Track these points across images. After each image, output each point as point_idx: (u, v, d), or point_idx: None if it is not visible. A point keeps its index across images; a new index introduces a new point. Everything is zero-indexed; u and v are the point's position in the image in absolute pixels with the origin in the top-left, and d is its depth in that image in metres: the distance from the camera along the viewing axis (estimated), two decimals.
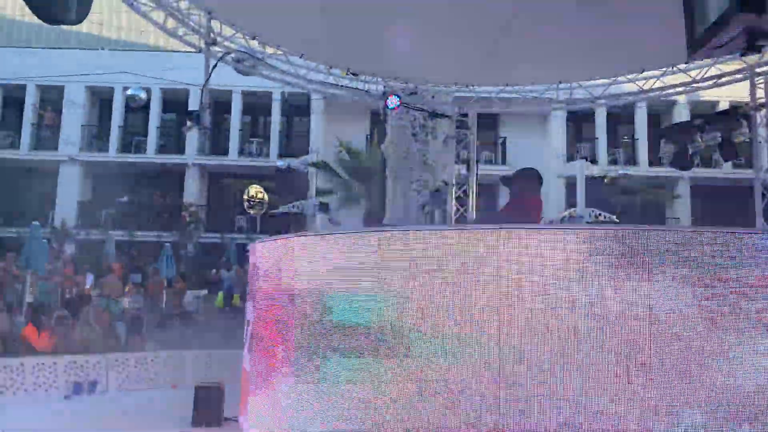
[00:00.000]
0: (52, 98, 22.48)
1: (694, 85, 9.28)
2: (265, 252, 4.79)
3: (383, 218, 11.43)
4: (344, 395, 3.79)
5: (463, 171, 10.50)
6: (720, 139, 8.61)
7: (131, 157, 22.20)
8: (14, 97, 22.22)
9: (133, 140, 22.57)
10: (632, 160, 22.10)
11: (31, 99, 22.21)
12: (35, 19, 5.52)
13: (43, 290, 10.46)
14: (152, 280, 12.76)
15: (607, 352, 3.44)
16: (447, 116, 9.84)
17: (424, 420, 3.53)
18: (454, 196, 10.29)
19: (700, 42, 2.83)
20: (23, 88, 21.99)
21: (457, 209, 10.22)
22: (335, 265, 4.03)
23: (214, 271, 16.45)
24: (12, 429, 5.96)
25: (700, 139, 8.66)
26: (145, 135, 22.43)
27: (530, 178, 5.18)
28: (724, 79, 9.20)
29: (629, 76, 9.62)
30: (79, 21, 5.64)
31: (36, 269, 11.99)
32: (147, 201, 22.23)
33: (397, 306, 3.71)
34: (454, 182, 10.35)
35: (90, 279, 13.11)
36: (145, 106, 19.70)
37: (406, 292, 3.72)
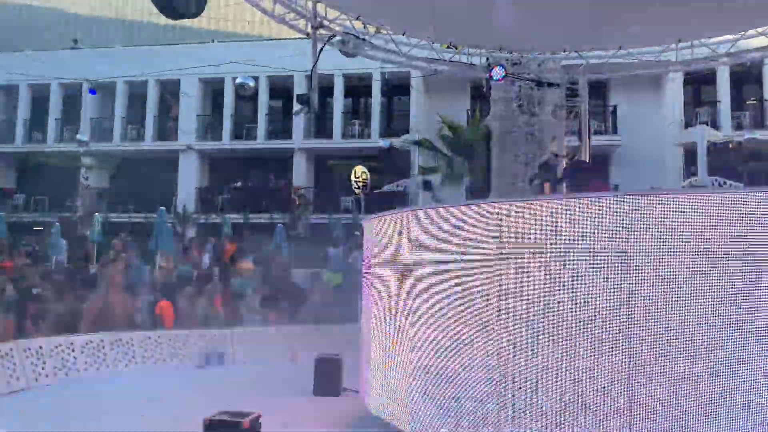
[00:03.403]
0: (169, 92, 24.02)
1: None
2: (379, 228, 4.89)
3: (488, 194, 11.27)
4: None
5: (574, 141, 10.08)
6: None
7: (243, 144, 23.32)
8: (138, 93, 23.95)
9: (243, 127, 23.67)
10: (760, 124, 20.25)
11: (152, 93, 23.85)
12: (153, 19, 5.89)
13: (183, 271, 11.30)
14: (274, 259, 13.36)
15: None
16: (556, 85, 9.48)
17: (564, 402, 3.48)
18: (563, 167, 9.92)
19: None
20: (145, 83, 23.64)
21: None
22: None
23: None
24: (151, 394, 6.51)
25: None
26: (255, 122, 23.45)
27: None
28: None
29: (759, 29, 8.78)
30: (198, 14, 5.99)
31: (165, 250, 13.02)
32: (258, 185, 23.30)
33: None
34: (564, 153, 9.98)
35: (206, 258, 13.93)
36: (254, 95, 20.57)
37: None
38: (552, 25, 8.63)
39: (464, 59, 9.92)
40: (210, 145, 23.71)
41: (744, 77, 20.42)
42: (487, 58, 10.10)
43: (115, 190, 23.69)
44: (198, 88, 23.79)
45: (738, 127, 20.11)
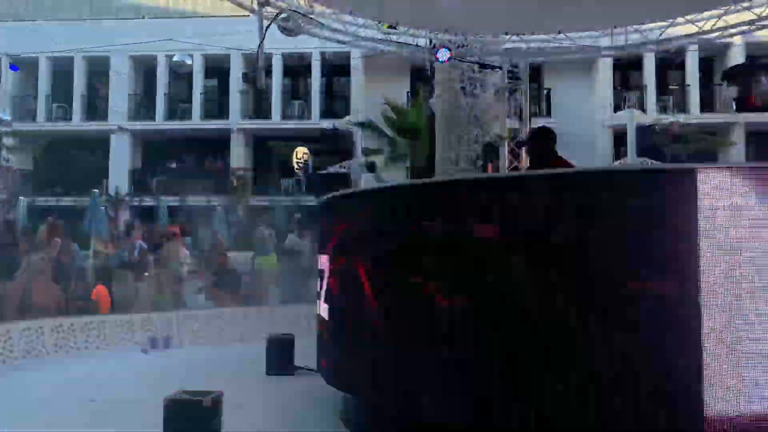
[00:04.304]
0: (98, 70, 22.97)
1: (760, 23, 8.89)
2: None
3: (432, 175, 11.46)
4: None
5: (515, 124, 10.39)
6: None
7: (178, 124, 22.64)
8: (64, 71, 22.77)
9: (178, 107, 22.96)
10: (683, 107, 21.41)
11: (79, 71, 22.73)
12: None
13: (121, 255, 10.96)
14: (215, 243, 13.14)
15: None
16: (498, 68, 9.71)
17: None
18: (507, 148, 10.23)
19: None
20: (71, 60, 22.49)
21: (511, 162, 10.17)
22: None
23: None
24: (102, 379, 6.35)
25: (765, 80, 8.35)
26: (190, 102, 22.78)
27: (547, 140, 4.99)
28: None
29: (688, 17, 9.27)
30: None
31: (99, 235, 12.57)
32: (195, 167, 22.75)
33: None
34: (506, 135, 10.27)
35: (137, 245, 13.49)
36: (189, 73, 20.00)
37: None
38: (493, 8, 8.82)
39: (409, 40, 10.00)
40: (143, 125, 22.89)
41: (669, 64, 21.49)
42: (431, 40, 10.21)
43: (41, 172, 22.55)
44: (129, 66, 22.85)
45: (663, 110, 21.21)
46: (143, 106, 23.39)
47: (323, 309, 5.08)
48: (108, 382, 6.23)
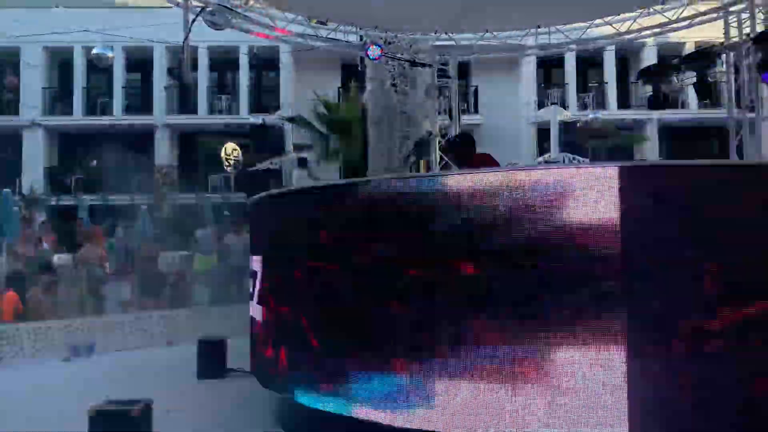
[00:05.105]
0: (8, 61, 21.58)
1: (670, 26, 9.42)
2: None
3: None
4: None
5: (446, 120, 10.55)
6: (695, 79, 8.82)
7: (97, 120, 21.61)
8: None
9: (98, 102, 21.90)
10: (601, 104, 22.39)
11: None
12: None
13: (39, 258, 10.35)
14: (142, 244, 12.67)
15: None
16: (428, 65, 9.82)
17: None
18: (437, 146, 10.37)
19: None
20: None
21: (441, 158, 10.32)
22: None
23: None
24: (18, 392, 6.01)
25: (676, 80, 8.85)
26: (110, 96, 21.79)
27: (468, 145, 5.31)
28: (698, 20, 9.35)
29: (606, 19, 9.70)
30: None
31: (10, 237, 11.83)
32: (117, 163, 21.75)
33: None
34: (437, 132, 10.41)
35: (45, 244, 12.77)
36: (109, 66, 19.08)
37: None
38: (422, 6, 8.92)
39: (339, 36, 9.95)
40: (59, 120, 21.69)
41: (588, 62, 22.42)
42: (361, 37, 10.20)
43: None
44: (42, 58, 21.58)
45: (583, 107, 22.11)
46: (59, 100, 22.16)
47: (256, 310, 5.00)
48: (27, 394, 5.90)
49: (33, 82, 21.43)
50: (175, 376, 6.51)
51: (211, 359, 6.59)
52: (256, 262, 5.11)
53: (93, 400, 4.11)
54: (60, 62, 22.26)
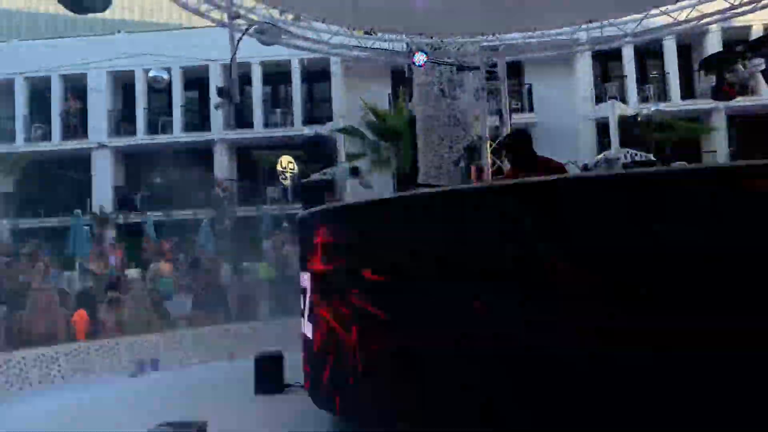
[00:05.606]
0: (76, 87, 22.71)
1: (732, 11, 8.89)
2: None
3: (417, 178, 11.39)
4: None
5: (496, 123, 10.33)
6: (764, 66, 8.26)
7: (159, 138, 22.43)
8: (41, 90, 22.50)
9: (159, 121, 22.75)
10: (664, 96, 21.47)
11: (56, 89, 22.46)
12: (49, 9, 5.54)
13: (108, 276, 10.79)
14: (206, 258, 13.00)
15: None
16: (476, 68, 9.65)
17: None
18: (489, 149, 10.17)
19: None
20: (48, 79, 22.23)
21: (494, 162, 10.11)
22: None
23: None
24: (82, 409, 6.22)
25: (742, 67, 8.32)
26: (170, 115, 22.58)
27: (523, 142, 4.83)
28: (762, 2, 8.79)
29: (662, 8, 9.26)
30: (106, 8, 5.66)
31: (82, 255, 12.40)
32: (179, 180, 22.49)
33: None
34: (487, 135, 10.21)
35: (112, 260, 13.21)
36: (167, 87, 19.77)
37: None
38: (468, 9, 8.77)
39: (385, 45, 9.92)
40: (124, 141, 22.65)
41: (647, 53, 21.56)
42: (408, 44, 10.14)
43: (22, 194, 22.25)
44: (107, 82, 22.62)
45: (644, 100, 21.26)
46: (123, 121, 23.15)
47: (307, 328, 4.99)
48: (93, 411, 6.10)
49: (99, 106, 22.47)
50: (232, 391, 6.59)
51: (269, 374, 6.64)
52: (305, 279, 5.11)
53: (153, 418, 4.19)
54: (123, 86, 23.25)
